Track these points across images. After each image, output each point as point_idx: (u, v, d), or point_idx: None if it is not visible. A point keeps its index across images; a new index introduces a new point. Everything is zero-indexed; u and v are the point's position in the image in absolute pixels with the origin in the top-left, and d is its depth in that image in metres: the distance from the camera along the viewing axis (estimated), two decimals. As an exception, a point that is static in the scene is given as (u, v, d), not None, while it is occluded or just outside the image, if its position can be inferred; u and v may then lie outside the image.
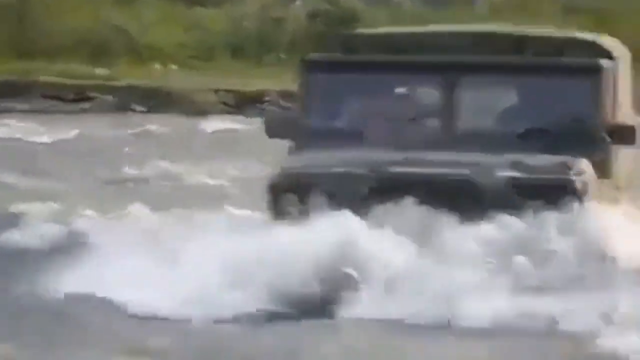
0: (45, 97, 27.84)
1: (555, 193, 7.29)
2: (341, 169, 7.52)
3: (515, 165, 7.49)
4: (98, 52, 30.48)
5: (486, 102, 8.36)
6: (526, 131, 7.96)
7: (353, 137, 8.03)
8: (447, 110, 8.07)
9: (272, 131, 8.30)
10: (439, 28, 9.65)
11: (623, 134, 7.95)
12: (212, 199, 11.89)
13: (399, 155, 7.62)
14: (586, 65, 8.07)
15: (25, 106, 26.82)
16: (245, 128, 21.36)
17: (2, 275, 7.89)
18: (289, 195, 7.46)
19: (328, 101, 8.34)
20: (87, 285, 6.95)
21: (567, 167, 7.51)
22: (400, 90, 8.31)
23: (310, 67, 8.38)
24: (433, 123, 8.20)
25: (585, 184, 7.44)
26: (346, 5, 32.42)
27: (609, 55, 8.24)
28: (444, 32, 8.99)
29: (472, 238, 7.06)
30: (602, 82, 8.01)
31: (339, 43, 8.69)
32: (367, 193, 7.36)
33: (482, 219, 7.11)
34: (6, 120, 22.86)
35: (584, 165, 7.60)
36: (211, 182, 14.25)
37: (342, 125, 8.30)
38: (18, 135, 20.42)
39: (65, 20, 31.22)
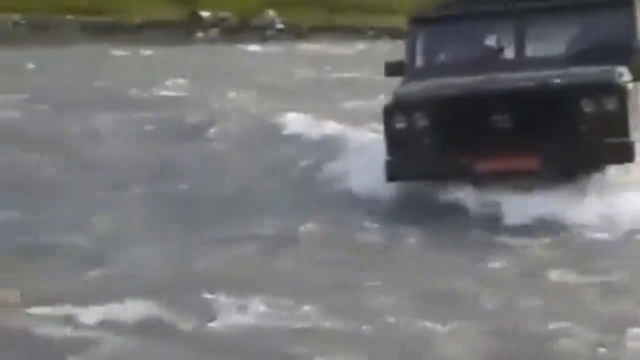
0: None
1: (600, 91, 9.33)
2: (437, 92, 9.81)
3: (569, 76, 9.56)
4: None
5: (548, 36, 10.50)
6: (579, 52, 10.21)
7: (449, 71, 10.23)
8: (519, 44, 10.35)
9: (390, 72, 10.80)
10: None
11: None
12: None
13: (482, 78, 9.74)
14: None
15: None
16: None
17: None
18: (399, 116, 9.67)
19: (427, 47, 10.77)
20: None
21: (609, 72, 9.53)
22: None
23: (413, 23, 10.91)
24: (509, 54, 10.43)
25: (624, 82, 9.50)
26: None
27: None
28: None
29: None
30: (633, 12, 10.24)
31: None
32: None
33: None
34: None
35: (623, 70, 9.63)
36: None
37: (438, 64, 10.73)
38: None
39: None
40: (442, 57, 10.94)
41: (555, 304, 6.88)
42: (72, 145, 13.58)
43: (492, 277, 7.61)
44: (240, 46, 31.11)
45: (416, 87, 10.18)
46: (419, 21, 11.05)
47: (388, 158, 9.75)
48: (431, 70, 10.52)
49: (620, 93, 9.41)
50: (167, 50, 30.25)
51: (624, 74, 9.65)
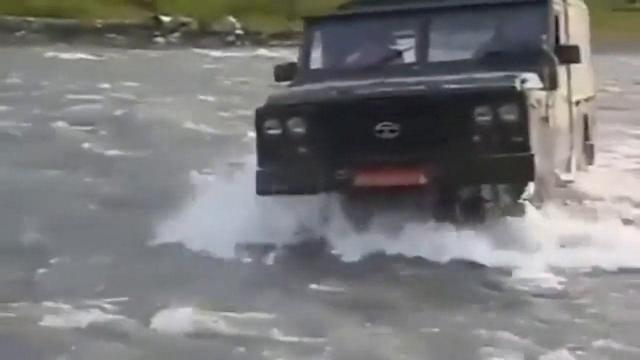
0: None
1: (497, 99, 8.19)
2: (315, 95, 8.66)
3: (464, 81, 8.41)
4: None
5: (453, 38, 9.51)
6: (487, 55, 9.09)
7: (343, 75, 9.08)
8: (421, 47, 9.29)
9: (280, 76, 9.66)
10: None
11: (569, 53, 9.27)
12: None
13: (369, 82, 8.56)
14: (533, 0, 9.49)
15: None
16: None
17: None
18: (272, 121, 8.51)
19: (322, 50, 9.70)
20: None
21: (510, 78, 8.34)
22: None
23: (308, 24, 9.84)
24: (410, 58, 9.38)
25: (527, 90, 8.36)
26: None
27: None
28: None
29: None
30: (548, 12, 9.24)
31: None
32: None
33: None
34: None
35: (530, 77, 8.55)
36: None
37: (332, 68, 9.57)
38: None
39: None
40: (336, 60, 9.77)
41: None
42: None
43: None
44: (198, 51, 30.51)
45: (295, 91, 9.06)
46: (314, 21, 9.94)
47: (259, 169, 8.62)
48: (324, 74, 9.38)
49: (521, 102, 8.23)
50: (124, 54, 29.58)
51: (529, 80, 8.54)
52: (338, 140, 8.42)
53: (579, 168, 10.20)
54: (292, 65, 9.68)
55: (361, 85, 8.64)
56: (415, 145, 8.30)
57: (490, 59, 8.97)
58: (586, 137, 10.78)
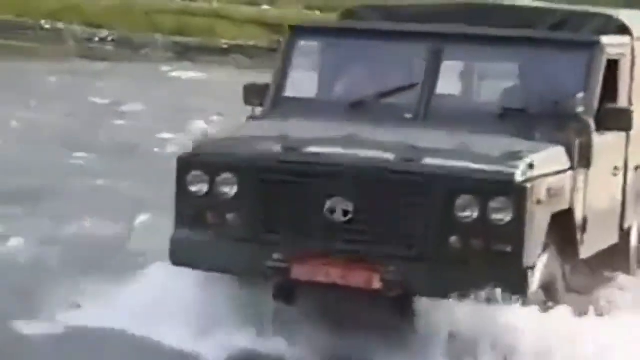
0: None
1: (488, 189, 6.00)
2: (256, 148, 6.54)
3: (455, 154, 6.24)
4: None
5: (468, 78, 7.53)
6: (505, 111, 6.83)
7: (319, 110, 7.07)
8: (426, 84, 6.94)
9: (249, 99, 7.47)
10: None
11: (616, 118, 6.84)
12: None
13: (339, 134, 6.49)
14: (575, 39, 7.11)
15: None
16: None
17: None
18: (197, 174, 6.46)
19: (302, 70, 7.62)
20: None
21: (515, 159, 6.10)
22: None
23: (293, 34, 7.57)
24: (409, 97, 7.01)
25: (532, 180, 6.04)
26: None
27: (625, 32, 7.35)
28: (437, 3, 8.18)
29: None
30: (595, 61, 6.80)
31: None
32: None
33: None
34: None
35: (548, 155, 6.39)
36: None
37: (309, 97, 7.43)
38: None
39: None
40: (317, 86, 7.58)
41: None
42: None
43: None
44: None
45: (235, 135, 6.92)
46: (301, 33, 7.66)
47: (176, 232, 6.59)
48: (297, 106, 7.21)
49: (517, 199, 5.98)
50: (247, 74, 28.45)
51: (544, 160, 6.31)
52: (275, 214, 6.35)
53: None
54: (264, 87, 7.51)
55: (321, 140, 6.51)
56: (373, 236, 6.18)
57: (508, 116, 6.78)
58: None
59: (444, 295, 6.08)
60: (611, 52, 7.08)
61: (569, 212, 6.55)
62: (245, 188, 6.36)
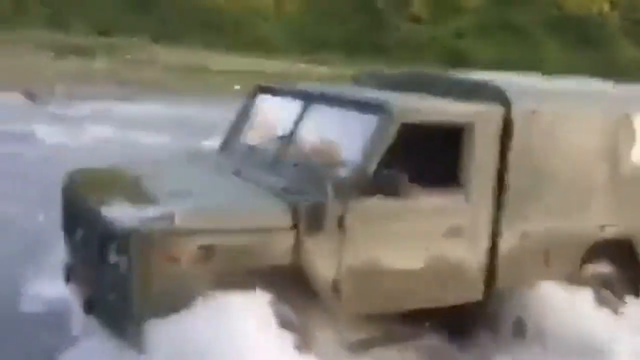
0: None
1: (113, 239, 5.90)
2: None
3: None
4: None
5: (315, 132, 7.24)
6: (278, 161, 7.06)
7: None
8: (291, 135, 7.20)
9: None
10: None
11: (387, 183, 6.31)
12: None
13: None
14: (369, 102, 6.79)
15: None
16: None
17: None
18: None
19: (247, 125, 8.15)
20: None
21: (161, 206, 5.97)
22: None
23: (255, 92, 8.26)
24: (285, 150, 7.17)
25: (165, 234, 5.74)
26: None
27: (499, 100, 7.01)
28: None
29: None
30: (381, 122, 6.53)
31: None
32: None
33: None
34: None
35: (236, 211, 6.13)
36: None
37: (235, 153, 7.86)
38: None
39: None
40: (244, 142, 7.98)
41: None
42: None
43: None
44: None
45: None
46: (260, 92, 8.21)
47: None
48: (230, 150, 7.95)
49: (132, 247, 5.72)
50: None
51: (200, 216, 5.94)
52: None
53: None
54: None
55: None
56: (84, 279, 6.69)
57: (285, 168, 6.90)
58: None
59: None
60: (414, 117, 6.62)
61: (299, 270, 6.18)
62: None
